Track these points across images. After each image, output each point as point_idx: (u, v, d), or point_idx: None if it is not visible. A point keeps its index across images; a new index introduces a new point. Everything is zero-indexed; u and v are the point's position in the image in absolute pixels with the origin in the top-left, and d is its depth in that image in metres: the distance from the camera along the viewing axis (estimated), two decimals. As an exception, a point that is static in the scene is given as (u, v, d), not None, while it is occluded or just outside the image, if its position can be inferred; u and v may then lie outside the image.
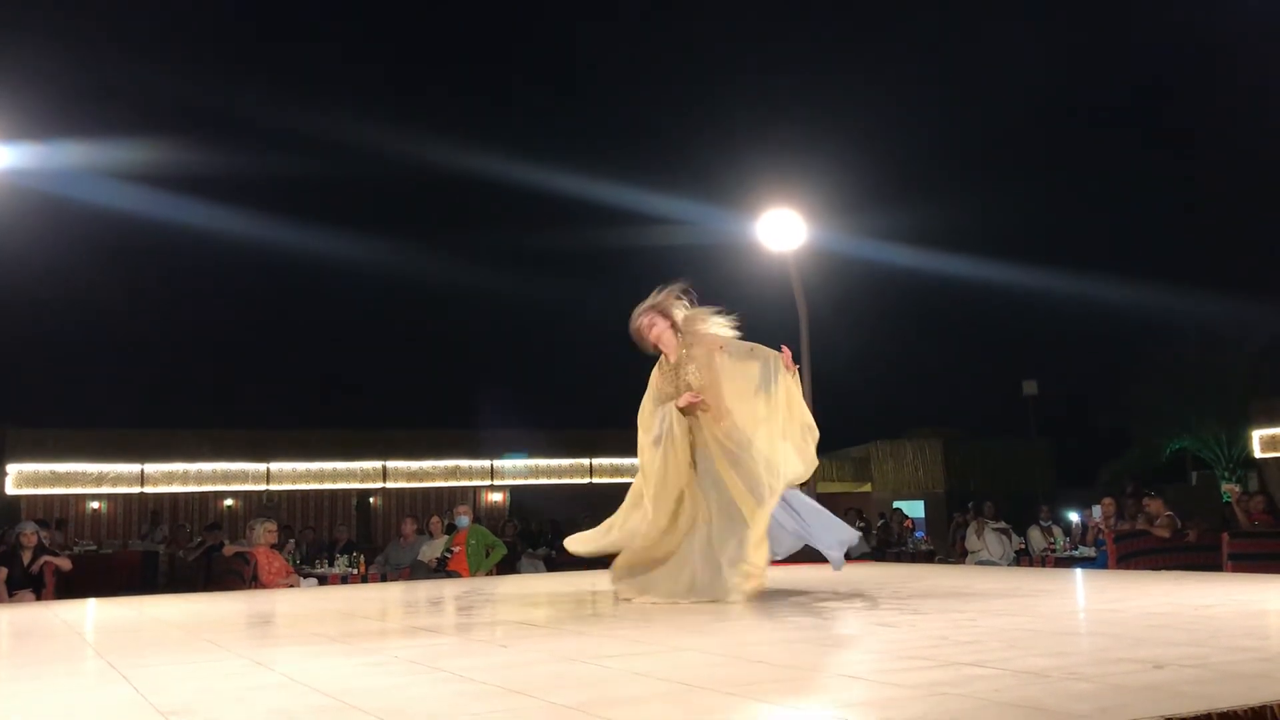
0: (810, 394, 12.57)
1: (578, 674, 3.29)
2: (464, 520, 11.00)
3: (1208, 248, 31.82)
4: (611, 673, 3.31)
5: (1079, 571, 8.78)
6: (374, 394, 32.87)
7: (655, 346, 6.01)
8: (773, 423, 5.74)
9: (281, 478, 20.84)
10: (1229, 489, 15.01)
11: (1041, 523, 13.00)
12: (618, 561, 6.02)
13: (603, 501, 18.06)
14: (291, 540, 12.99)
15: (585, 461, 22.61)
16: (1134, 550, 9.94)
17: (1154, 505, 10.40)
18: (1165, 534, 9.97)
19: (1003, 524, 12.81)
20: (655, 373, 6.02)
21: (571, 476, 22.62)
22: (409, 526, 11.61)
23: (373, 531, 21.10)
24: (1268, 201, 29.02)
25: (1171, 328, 25.40)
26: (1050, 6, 35.78)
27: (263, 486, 20.78)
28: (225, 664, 3.77)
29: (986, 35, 33.75)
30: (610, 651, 3.82)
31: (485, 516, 20.11)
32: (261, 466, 20.68)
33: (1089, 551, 11.51)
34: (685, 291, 6.00)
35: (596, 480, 22.47)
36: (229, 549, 10.26)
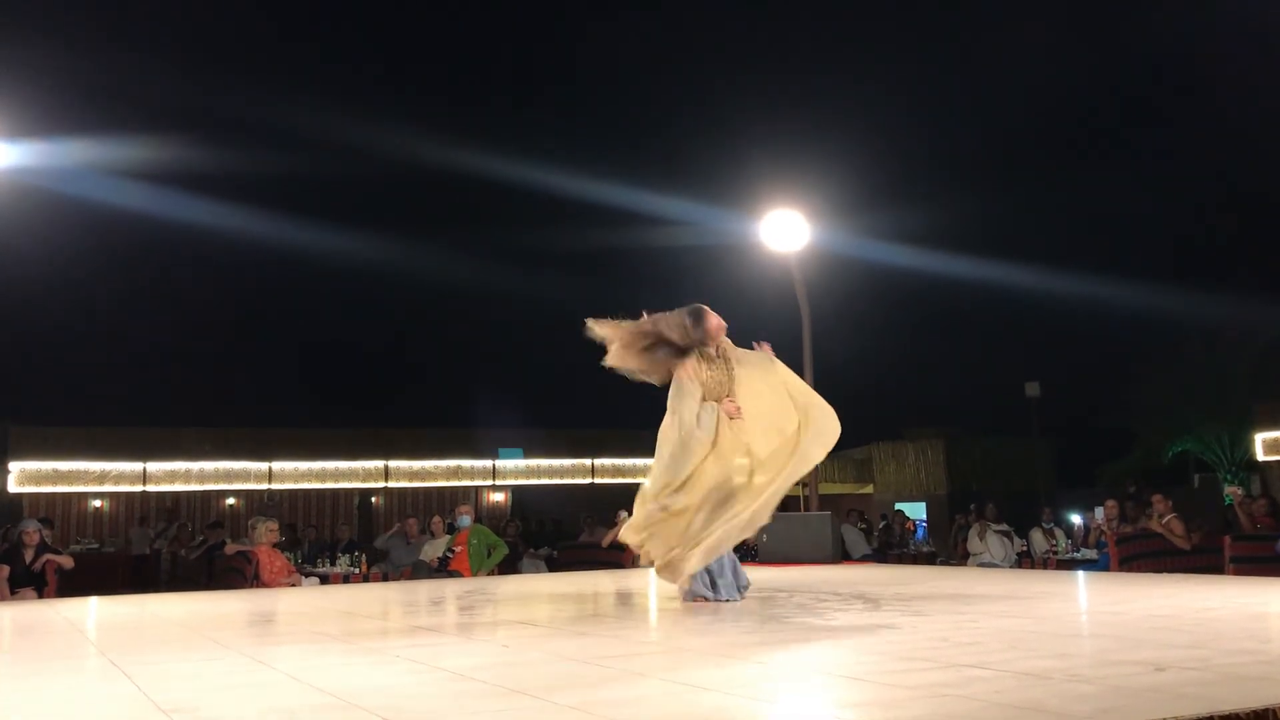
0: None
1: (578, 674, 3.29)
2: (466, 520, 10.99)
3: (1212, 249, 31.82)
4: (612, 673, 3.31)
5: (1081, 574, 8.77)
6: (376, 393, 32.92)
7: (710, 342, 6.07)
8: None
9: (283, 477, 20.84)
10: (1231, 492, 14.96)
11: (1043, 524, 12.96)
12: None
13: (604, 501, 18.04)
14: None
15: (587, 462, 22.62)
16: (1136, 553, 9.91)
17: (1162, 504, 10.33)
18: (1185, 546, 9.86)
19: (1004, 526, 12.78)
20: (694, 363, 6.03)
21: (573, 476, 22.62)
22: (412, 526, 11.60)
23: (374, 531, 21.09)
24: (1272, 202, 29.00)
25: (1175, 329, 25.36)
26: (1053, 8, 35.77)
27: (265, 485, 20.78)
28: (227, 662, 3.77)
29: (990, 36, 33.74)
30: (611, 652, 3.82)
31: (487, 516, 20.11)
32: (263, 465, 20.69)
33: (1091, 554, 11.49)
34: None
35: (598, 480, 22.47)
36: (231, 548, 10.25)
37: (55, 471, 19.49)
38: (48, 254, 21.54)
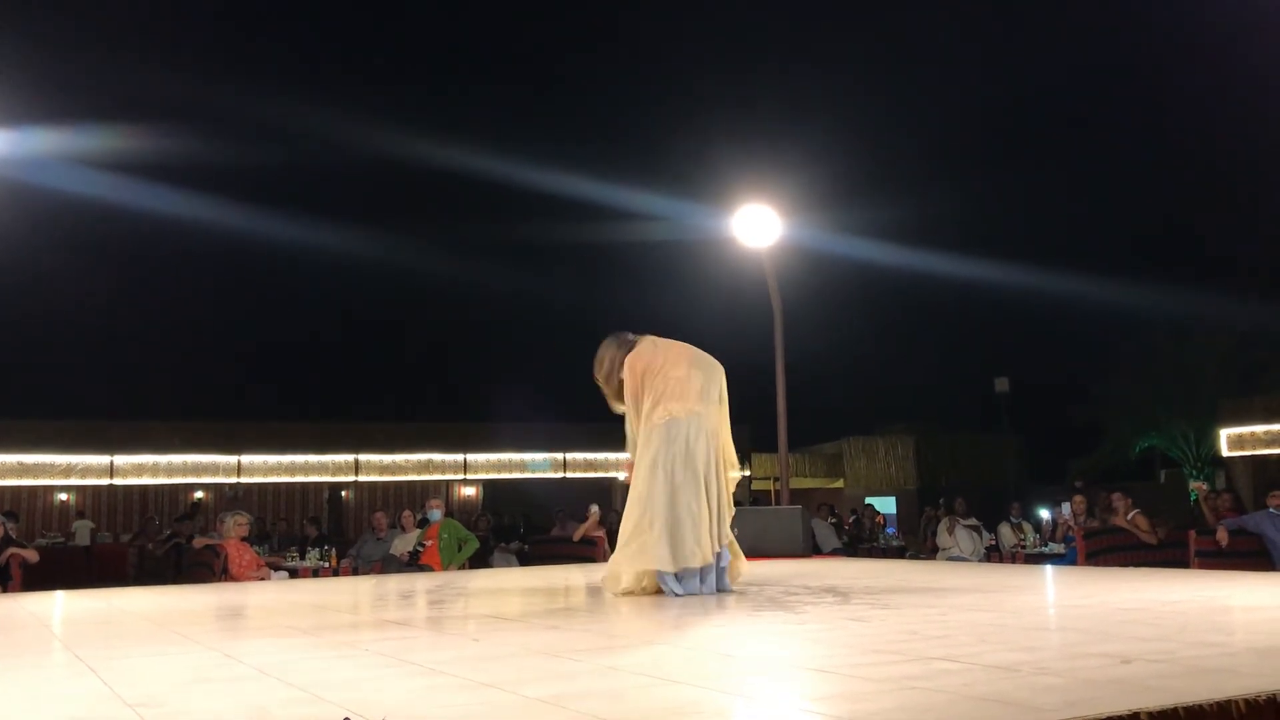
0: (784, 390, 12.62)
1: (549, 668, 3.29)
2: (436, 514, 10.94)
3: (1181, 246, 32.13)
4: (583, 666, 3.31)
5: (1048, 568, 8.85)
6: (347, 386, 32.75)
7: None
8: None
9: (253, 470, 20.68)
10: (1196, 487, 15.12)
11: (1012, 519, 13.04)
12: None
13: (575, 495, 17.95)
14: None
15: (559, 456, 22.59)
16: (1103, 547, 10.00)
17: (1121, 502, 10.41)
18: (1152, 540, 9.92)
19: (973, 520, 12.86)
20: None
21: (544, 470, 22.59)
22: (381, 521, 11.54)
23: (344, 525, 20.98)
24: (1239, 200, 29.32)
25: (1144, 326, 25.60)
26: (1023, 3, 36.00)
27: (233, 479, 20.61)
28: (195, 657, 3.74)
29: (959, 30, 33.93)
30: (582, 645, 3.82)
31: (458, 510, 20.05)
32: (232, 459, 20.51)
33: (1059, 548, 11.57)
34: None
35: (570, 475, 22.45)
36: (199, 541, 10.16)
37: (20, 464, 19.25)
38: (14, 245, 21.23)
